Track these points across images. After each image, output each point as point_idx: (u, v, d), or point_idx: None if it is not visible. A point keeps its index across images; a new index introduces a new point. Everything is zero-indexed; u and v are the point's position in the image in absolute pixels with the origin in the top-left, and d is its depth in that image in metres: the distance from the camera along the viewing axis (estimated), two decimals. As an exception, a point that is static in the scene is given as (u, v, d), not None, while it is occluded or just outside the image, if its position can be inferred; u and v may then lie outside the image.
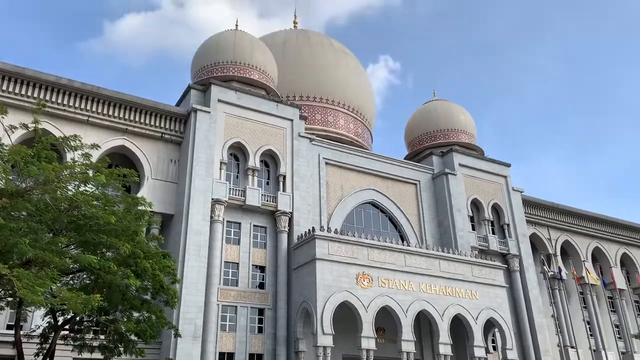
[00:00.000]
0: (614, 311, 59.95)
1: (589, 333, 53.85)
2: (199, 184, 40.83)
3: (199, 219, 39.74)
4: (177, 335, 28.32)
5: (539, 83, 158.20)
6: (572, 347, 49.03)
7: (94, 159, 24.39)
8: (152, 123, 43.42)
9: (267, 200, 44.01)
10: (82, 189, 21.48)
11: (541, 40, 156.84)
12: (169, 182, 43.01)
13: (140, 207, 23.94)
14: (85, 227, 20.53)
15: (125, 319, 23.26)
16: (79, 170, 21.34)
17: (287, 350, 39.48)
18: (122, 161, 42.61)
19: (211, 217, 40.72)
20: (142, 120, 43.03)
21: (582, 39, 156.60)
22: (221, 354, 38.19)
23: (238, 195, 42.96)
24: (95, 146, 23.65)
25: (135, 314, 23.58)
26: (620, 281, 52.11)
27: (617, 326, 58.74)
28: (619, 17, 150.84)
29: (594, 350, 52.60)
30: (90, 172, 22.12)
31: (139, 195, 38.74)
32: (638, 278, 43.17)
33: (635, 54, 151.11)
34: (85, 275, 22.21)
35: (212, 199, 41.05)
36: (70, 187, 20.83)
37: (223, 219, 41.76)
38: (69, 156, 30.53)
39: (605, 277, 57.31)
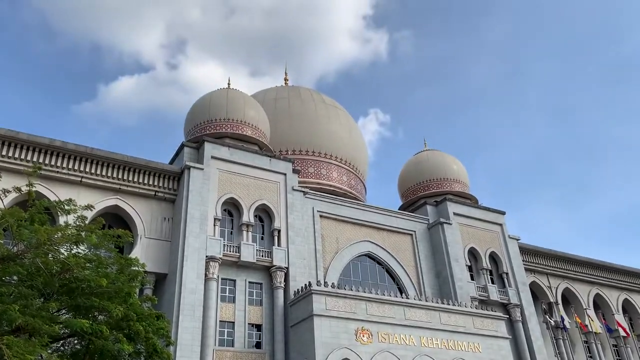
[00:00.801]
0: (619, 359, 58.44)
1: (598, 384, 52.24)
2: (193, 241, 40.38)
3: (193, 277, 39.01)
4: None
5: (527, 132, 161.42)
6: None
7: (87, 220, 24.14)
8: (146, 182, 43.43)
9: (262, 256, 43.46)
10: (74, 251, 21.12)
11: (526, 91, 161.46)
12: (162, 240, 42.52)
13: (133, 268, 23.51)
14: (77, 290, 20.02)
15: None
16: (71, 233, 21.07)
17: (286, 413, 37.79)
18: (115, 221, 42.28)
19: (205, 274, 40.02)
20: (135, 179, 43.06)
21: (566, 88, 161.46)
22: (217, 421, 36.45)
23: (232, 251, 42.44)
24: (89, 207, 23.43)
25: (128, 382, 22.58)
26: (625, 328, 51.05)
27: (626, 375, 57.15)
28: (601, 64, 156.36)
29: (604, 402, 50.89)
30: (83, 234, 21.83)
31: (133, 254, 38.39)
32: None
33: (619, 98, 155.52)
34: (76, 341, 21.43)
35: (207, 256, 40.49)
36: (62, 250, 20.48)
37: (217, 277, 41.04)
38: (61, 219, 30.28)
39: (608, 324, 56.20)
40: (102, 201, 41.35)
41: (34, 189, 22.23)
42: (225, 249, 42.12)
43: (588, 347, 55.80)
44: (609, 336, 48.67)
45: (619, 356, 58.77)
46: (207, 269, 40.27)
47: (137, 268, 23.64)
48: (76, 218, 21.08)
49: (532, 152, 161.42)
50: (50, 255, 19.64)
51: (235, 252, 42.46)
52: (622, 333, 49.61)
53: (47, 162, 39.86)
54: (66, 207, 21.26)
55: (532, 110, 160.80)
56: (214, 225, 42.48)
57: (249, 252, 42.74)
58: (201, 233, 41.09)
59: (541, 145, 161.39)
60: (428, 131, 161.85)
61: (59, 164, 40.35)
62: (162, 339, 22.01)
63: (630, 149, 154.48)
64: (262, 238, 45.47)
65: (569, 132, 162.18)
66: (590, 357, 55.46)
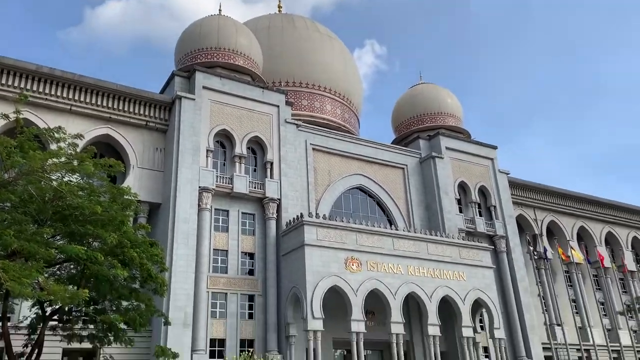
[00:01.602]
0: (599, 289, 61.14)
1: (575, 311, 54.91)
2: (186, 172, 40.60)
3: (186, 207, 39.59)
4: (167, 323, 28.40)
5: (526, 68, 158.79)
6: (558, 324, 49.94)
7: (78, 149, 24.10)
8: (136, 111, 42.95)
9: (255, 188, 43.94)
10: (66, 179, 21.27)
11: (528, 25, 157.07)
12: (155, 170, 42.69)
13: (126, 197, 23.81)
14: (70, 217, 20.39)
15: (114, 309, 23.24)
16: (64, 160, 21.11)
17: (277, 335, 39.76)
18: (106, 150, 42.20)
19: (199, 205, 40.59)
20: (125, 109, 42.53)
21: (568, 23, 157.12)
22: (212, 341, 38.37)
23: (225, 182, 42.81)
24: (79, 136, 23.37)
25: (124, 303, 23.56)
26: (605, 259, 53.17)
27: (602, 303, 59.91)
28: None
29: (580, 328, 53.64)
30: (75, 162, 21.90)
31: (125, 184, 38.71)
32: (622, 256, 43.92)
33: (618, 33, 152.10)
34: (72, 266, 22.10)
35: (199, 187, 40.87)
36: (54, 178, 20.62)
37: (211, 207, 41.66)
38: (52, 147, 30.17)
39: (590, 256, 58.22)
40: (93, 130, 41.04)
41: (21, 116, 21.99)
42: (218, 180, 42.46)
43: (569, 276, 58.21)
44: (590, 267, 50.64)
45: (598, 285, 61.47)
46: (200, 199, 40.80)
47: (129, 197, 23.93)
48: (67, 146, 21.04)
49: (529, 88, 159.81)
50: (42, 182, 19.77)
51: (228, 184, 42.84)
52: (604, 264, 51.85)
53: (34, 89, 39.09)
54: (56, 135, 21.16)
55: (533, 45, 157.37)
56: (207, 157, 42.56)
57: (241, 183, 43.15)
58: (194, 164, 41.23)
59: (539, 81, 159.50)
60: (425, 65, 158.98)
61: (47, 91, 39.61)
62: (156, 265, 22.72)
63: (628, 87, 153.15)
64: (255, 170, 45.76)
65: (569, 69, 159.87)
66: (570, 285, 58.10)
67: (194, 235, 39.24)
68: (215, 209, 42.32)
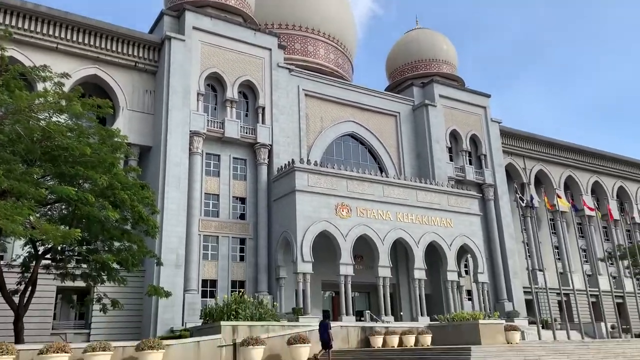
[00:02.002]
0: (582, 237, 62.81)
1: (557, 257, 56.61)
2: (176, 115, 40.22)
3: (177, 151, 39.52)
4: (159, 263, 29.02)
5: (521, 14, 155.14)
6: (540, 270, 51.58)
7: (65, 89, 23.70)
8: (125, 51, 41.93)
9: (247, 133, 43.76)
10: (54, 119, 21.06)
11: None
12: (145, 113, 42.23)
13: (116, 139, 23.71)
14: (60, 158, 20.36)
15: (106, 249, 23.66)
16: (51, 99, 20.83)
17: (268, 277, 40.84)
18: (95, 91, 41.44)
19: (190, 149, 40.51)
20: (114, 49, 41.49)
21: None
22: (204, 281, 39.40)
23: (217, 127, 42.56)
24: (65, 75, 22.91)
25: (116, 244, 23.96)
26: (590, 208, 54.37)
27: (584, 250, 61.73)
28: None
29: (561, 273, 55.54)
30: (63, 102, 21.62)
31: (115, 126, 38.37)
32: (607, 205, 44.94)
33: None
34: (63, 207, 22.27)
35: (190, 130, 40.63)
36: (41, 118, 20.41)
37: (202, 151, 41.61)
38: (39, 86, 29.61)
39: (576, 205, 59.30)
40: (80, 70, 40.17)
41: (7, 54, 21.47)
42: (209, 124, 42.17)
43: (553, 224, 59.70)
44: (575, 215, 51.76)
45: (581, 233, 63.07)
46: (191, 143, 40.66)
47: (119, 139, 23.83)
48: (53, 85, 20.69)
49: (527, 34, 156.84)
50: (30, 122, 19.59)
51: (219, 128, 42.61)
52: (588, 212, 53.23)
53: (20, 25, 37.85)
54: (41, 74, 20.74)
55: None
56: (197, 100, 42.05)
57: (233, 128, 42.92)
58: (184, 107, 40.80)
59: (538, 26, 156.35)
60: (422, 9, 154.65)
61: (32, 28, 38.41)
62: (147, 207, 22.92)
63: (626, 32, 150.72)
64: (247, 115, 45.40)
65: (568, 13, 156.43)
66: (554, 233, 59.67)
67: (185, 179, 39.41)
68: (206, 154, 42.29)
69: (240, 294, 23.81)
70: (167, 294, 25.70)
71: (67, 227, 20.64)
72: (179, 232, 37.91)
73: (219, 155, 43.06)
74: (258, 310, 22.23)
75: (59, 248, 23.56)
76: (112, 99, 41.13)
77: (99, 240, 23.89)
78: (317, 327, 22.01)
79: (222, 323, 20.63)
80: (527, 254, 53.50)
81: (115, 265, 24.32)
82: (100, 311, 25.35)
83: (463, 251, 46.06)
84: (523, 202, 34.90)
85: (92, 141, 21.94)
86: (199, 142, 41.11)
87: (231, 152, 43.53)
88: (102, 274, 24.65)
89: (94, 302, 26.57)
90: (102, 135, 22.66)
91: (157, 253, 35.03)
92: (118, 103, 41.07)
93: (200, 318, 24.82)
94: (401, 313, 45.61)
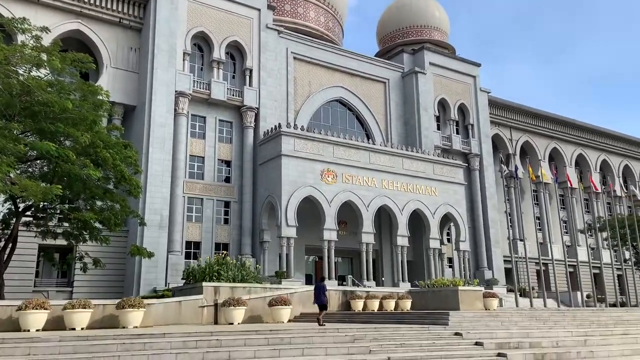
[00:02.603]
0: (563, 208, 63.88)
1: (538, 227, 57.82)
2: (161, 74, 39.36)
3: (162, 112, 38.86)
4: (142, 224, 28.90)
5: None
6: (521, 239, 52.56)
7: (46, 44, 22.91)
8: (109, 6, 40.58)
9: (233, 95, 43.10)
10: (33, 74, 20.45)
11: None
12: (129, 71, 41.26)
13: (99, 97, 23.16)
14: (40, 114, 19.87)
15: (88, 208, 23.43)
16: (30, 53, 20.15)
17: (252, 240, 41.04)
18: (78, 47, 40.13)
19: (175, 110, 39.87)
20: (98, 3, 40.12)
21: None
22: (188, 243, 39.48)
23: (203, 88, 41.82)
24: (45, 29, 22.11)
25: (99, 203, 23.73)
26: (572, 180, 55.26)
27: (565, 222, 62.94)
28: None
29: (541, 243, 56.77)
30: (44, 56, 20.95)
31: (99, 84, 37.44)
32: (590, 177, 45.60)
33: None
34: (44, 164, 21.88)
35: (176, 91, 39.89)
36: (20, 72, 19.79)
37: (187, 112, 41.00)
38: (19, 39, 28.64)
39: (560, 177, 60.08)
40: (62, 24, 38.89)
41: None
42: (195, 85, 41.42)
43: (536, 195, 60.54)
44: (558, 186, 52.49)
45: (563, 205, 64.10)
46: (176, 104, 39.99)
47: (102, 97, 23.29)
48: (31, 38, 19.96)
49: (520, 5, 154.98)
50: (8, 76, 18.98)
51: (206, 89, 41.89)
52: (570, 185, 54.16)
53: (-4, -24, 36.30)
54: (20, 26, 19.98)
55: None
56: (183, 60, 41.14)
57: (219, 90, 42.21)
58: (170, 67, 39.90)
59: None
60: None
61: (10, -20, 36.85)
62: (130, 167, 22.61)
63: (618, 7, 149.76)
64: (234, 77, 44.62)
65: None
66: (537, 204, 60.57)
67: (170, 140, 38.92)
68: (192, 115, 41.71)
69: (223, 255, 23.87)
70: (150, 255, 25.70)
71: (48, 185, 20.33)
72: (163, 193, 37.69)
73: (204, 117, 42.48)
74: (240, 272, 22.37)
75: (40, 205, 23.27)
76: (95, 56, 40.06)
77: (81, 198, 23.62)
78: (313, 289, 21.79)
79: (204, 284, 20.76)
80: (509, 224, 54.61)
81: (97, 225, 24.14)
82: (81, 270, 25.29)
83: (446, 219, 46.58)
84: (508, 173, 35.15)
85: (74, 97, 21.40)
86: (184, 103, 40.44)
87: (217, 114, 42.95)
88: (84, 232, 24.48)
89: (76, 261, 26.48)
90: (84, 91, 22.09)
91: (140, 214, 34.90)
92: (102, 60, 40.03)
93: (183, 279, 24.98)
94: (383, 278, 46.35)
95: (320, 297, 20.13)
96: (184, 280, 24.12)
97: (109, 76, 40.04)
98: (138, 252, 25.00)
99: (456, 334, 16.27)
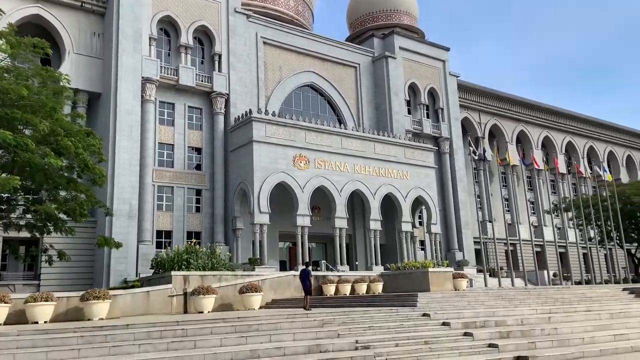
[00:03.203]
0: (531, 190, 65.32)
1: (506, 209, 59.06)
2: (127, 60, 38.35)
3: (129, 98, 37.96)
4: (108, 214, 28.32)
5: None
6: (490, 221, 53.58)
7: (1, 28, 21.99)
8: (70, -10, 39.21)
9: (202, 81, 42.39)
10: (-13, 60, 19.63)
11: None
12: (93, 57, 40.08)
13: (61, 84, 22.42)
14: (-5, 102, 19.12)
15: (51, 198, 22.82)
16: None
17: (224, 227, 40.74)
18: (38, 33, 38.63)
19: (142, 96, 38.99)
20: (57, -13, 38.71)
21: None
22: (159, 232, 38.95)
23: (170, 74, 40.97)
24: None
25: (63, 193, 23.11)
26: (539, 162, 56.51)
27: (532, 203, 64.42)
28: None
29: (509, 224, 58.09)
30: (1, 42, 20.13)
31: (62, 70, 36.33)
32: (555, 159, 46.76)
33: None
34: (2, 153, 21.14)
35: (142, 77, 38.97)
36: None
37: (155, 99, 40.16)
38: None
39: (526, 158, 61.33)
40: (21, 9, 37.44)
41: None
42: (163, 71, 40.55)
43: (504, 177, 61.79)
44: (525, 168, 53.58)
45: (530, 186, 65.51)
46: (143, 90, 39.10)
47: (63, 83, 22.56)
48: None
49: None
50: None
51: (174, 75, 41.06)
52: (536, 166, 55.56)
53: (-53, -42, 34.61)
54: (-29, 10, 19.09)
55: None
56: (150, 45, 40.17)
57: (188, 75, 41.42)
58: (135, 52, 38.90)
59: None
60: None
61: (-38, -38, 35.18)
62: (93, 155, 22.04)
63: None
64: (202, 62, 43.82)
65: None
66: (505, 186, 61.82)
67: (137, 128, 38.11)
68: (160, 102, 40.87)
69: (192, 243, 23.59)
70: (118, 245, 25.25)
71: (8, 175, 19.67)
72: (131, 182, 36.99)
73: (173, 104, 41.70)
74: (210, 260, 22.17)
75: (2, 197, 22.55)
76: (57, 41, 38.83)
77: (44, 189, 22.96)
78: (299, 275, 22.25)
79: (173, 273, 20.50)
80: (478, 206, 55.59)
81: (62, 216, 23.55)
82: (46, 262, 24.69)
83: (418, 203, 47.09)
84: (475, 155, 35.63)
85: (32, 84, 20.67)
86: (151, 90, 39.57)
87: (186, 101, 42.21)
88: (48, 224, 23.86)
89: (41, 254, 25.84)
90: (42, 77, 21.33)
91: (108, 203, 34.31)
92: (64, 46, 38.79)
93: (151, 268, 24.64)
94: (356, 263, 46.72)
95: (305, 283, 20.37)
96: (153, 270, 23.77)
97: (71, 62, 38.84)
98: (105, 242, 24.54)
99: (424, 315, 16.52)
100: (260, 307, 21.31)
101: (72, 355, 10.61)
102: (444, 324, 15.69)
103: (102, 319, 16.64)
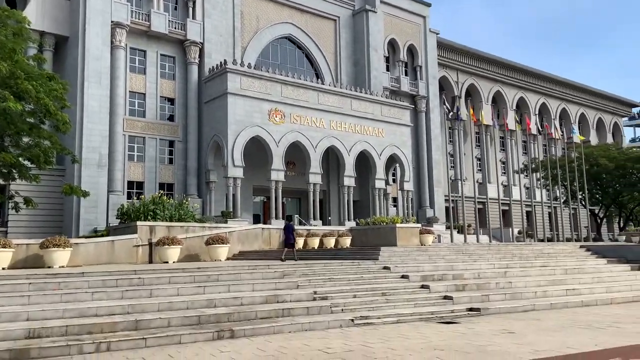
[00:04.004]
0: (503, 150, 66.22)
1: (478, 168, 60.06)
2: (95, 2, 36.71)
3: (97, 43, 36.59)
4: (74, 161, 27.77)
5: None
6: (461, 180, 54.43)
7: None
8: None
9: (175, 28, 41.00)
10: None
11: None
12: (60, -2, 38.26)
13: (24, 25, 21.41)
14: (-50, 41, 18.22)
15: (14, 144, 22.24)
16: None
17: (197, 180, 40.52)
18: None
19: (112, 42, 37.63)
20: None
21: None
22: (130, 183, 38.54)
23: (142, 19, 39.46)
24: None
25: (26, 139, 22.53)
26: (512, 123, 57.00)
27: (503, 163, 65.47)
28: None
29: (480, 183, 59.21)
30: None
31: (27, 12, 34.73)
32: (527, 120, 47.23)
33: None
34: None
35: (112, 21, 37.47)
36: None
37: (126, 45, 38.83)
38: None
39: (500, 120, 61.83)
40: (-21, -56, 35.18)
41: None
42: (134, 15, 39.01)
43: (478, 137, 62.41)
44: (498, 129, 54.10)
45: (503, 146, 66.29)
46: (113, 35, 37.70)
47: (23, 24, 21.57)
48: None
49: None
50: None
51: (145, 21, 39.57)
52: (511, 127, 56.22)
53: None
54: None
55: None
56: (120, -13, 38.44)
57: (160, 21, 39.99)
58: (104, -5, 37.24)
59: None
60: None
61: None
62: (56, 101, 21.38)
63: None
64: (176, 8, 42.27)
65: None
66: (478, 145, 62.53)
67: (107, 75, 36.96)
68: (130, 48, 39.55)
69: (160, 195, 23.43)
70: (85, 194, 24.92)
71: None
72: (101, 131, 36.20)
73: (144, 51, 40.40)
74: (178, 212, 22.11)
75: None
76: (20, -21, 36.81)
77: (6, 134, 22.31)
78: (282, 229, 23.38)
79: (139, 223, 20.41)
80: (451, 165, 56.31)
81: (26, 162, 23.04)
82: (12, 209, 24.33)
83: (392, 160, 47.39)
84: (449, 113, 35.72)
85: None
86: (121, 35, 38.16)
87: (158, 49, 40.93)
88: (13, 171, 23.34)
89: (8, 200, 25.42)
90: (0, 16, 20.32)
91: (77, 152, 33.70)
92: (27, -15, 36.80)
93: (117, 218, 24.51)
94: (330, 218, 47.25)
95: (289, 236, 21.42)
96: (119, 220, 23.65)
97: (37, 3, 36.99)
98: (71, 190, 24.18)
99: (384, 268, 16.93)
100: (228, 259, 21.52)
101: (22, 301, 10.54)
102: (403, 276, 16.12)
103: (62, 267, 16.58)
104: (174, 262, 19.06)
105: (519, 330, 11.20)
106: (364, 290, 14.19)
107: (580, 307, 15.42)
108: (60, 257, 16.65)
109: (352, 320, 11.50)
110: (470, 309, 13.77)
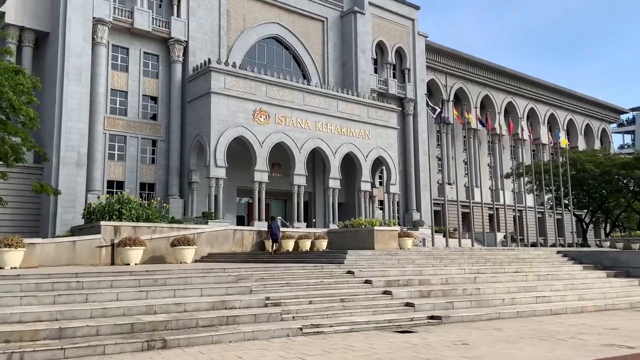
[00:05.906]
0: (491, 154, 65.85)
1: (466, 172, 59.74)
2: (76, -2, 36.24)
3: (78, 40, 36.06)
4: (45, 159, 27.24)
5: None
6: (449, 183, 54.13)
7: None
8: None
9: (159, 25, 40.52)
10: None
11: None
12: (40, -6, 37.75)
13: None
14: None
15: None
16: None
17: (180, 180, 39.99)
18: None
19: (93, 38, 37.09)
20: None
21: None
22: (110, 182, 37.96)
23: (125, 16, 38.97)
24: None
25: (-7, 136, 21.99)
26: (495, 126, 56.69)
27: (491, 167, 65.08)
28: None
29: (467, 187, 58.84)
30: None
31: (6, 8, 34.28)
32: (510, 124, 47.04)
33: None
34: None
35: (94, 17, 36.95)
36: None
37: (107, 42, 38.30)
38: None
39: (489, 123, 61.43)
40: (-42, -63, 34.69)
41: None
42: (116, 12, 38.50)
43: (466, 141, 62.05)
44: (488, 134, 53.78)
45: (491, 151, 65.88)
46: (94, 32, 37.17)
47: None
48: None
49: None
50: None
51: (128, 18, 39.07)
52: (498, 131, 55.87)
53: None
54: None
55: None
56: (102, -17, 37.97)
57: (143, 19, 39.50)
58: (86, -10, 36.75)
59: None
60: None
61: None
62: (22, 95, 20.87)
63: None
64: (160, 6, 41.80)
65: None
66: (466, 149, 62.14)
67: (87, 72, 36.41)
68: (113, 45, 39.02)
69: (123, 194, 22.92)
70: (56, 192, 24.45)
71: None
72: (80, 129, 35.63)
73: (127, 49, 39.89)
74: (145, 212, 21.61)
75: None
76: (0, -26, 36.28)
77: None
78: (268, 226, 25.39)
79: (102, 223, 19.85)
80: (439, 168, 55.98)
81: (-6, 160, 22.50)
82: (-20, 207, 23.79)
83: (378, 163, 47.01)
84: (434, 113, 35.31)
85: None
86: (103, 32, 37.65)
87: (142, 46, 40.42)
88: (-19, 168, 22.82)
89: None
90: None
91: (55, 150, 33.20)
92: (7, -21, 36.27)
93: (82, 217, 23.94)
94: (314, 220, 46.78)
95: (276, 233, 24.01)
96: (84, 219, 23.15)
97: (17, -2, 36.50)
98: (42, 189, 23.65)
99: (348, 272, 16.44)
100: (196, 261, 21.01)
101: None
102: (366, 281, 15.64)
103: (14, 267, 16.02)
104: (136, 264, 18.51)
105: (474, 342, 10.73)
106: (321, 296, 13.67)
107: (547, 316, 14.96)
108: (13, 257, 16.04)
109: (301, 329, 10.98)
110: (432, 317, 13.28)
